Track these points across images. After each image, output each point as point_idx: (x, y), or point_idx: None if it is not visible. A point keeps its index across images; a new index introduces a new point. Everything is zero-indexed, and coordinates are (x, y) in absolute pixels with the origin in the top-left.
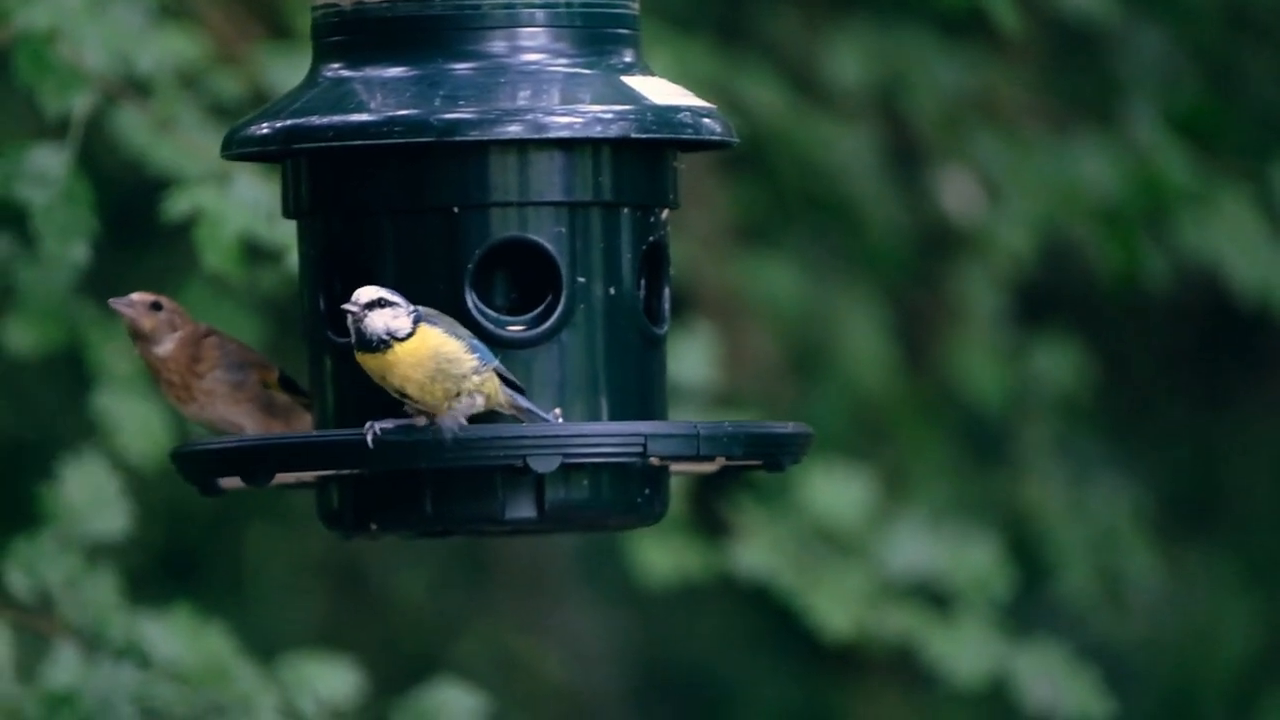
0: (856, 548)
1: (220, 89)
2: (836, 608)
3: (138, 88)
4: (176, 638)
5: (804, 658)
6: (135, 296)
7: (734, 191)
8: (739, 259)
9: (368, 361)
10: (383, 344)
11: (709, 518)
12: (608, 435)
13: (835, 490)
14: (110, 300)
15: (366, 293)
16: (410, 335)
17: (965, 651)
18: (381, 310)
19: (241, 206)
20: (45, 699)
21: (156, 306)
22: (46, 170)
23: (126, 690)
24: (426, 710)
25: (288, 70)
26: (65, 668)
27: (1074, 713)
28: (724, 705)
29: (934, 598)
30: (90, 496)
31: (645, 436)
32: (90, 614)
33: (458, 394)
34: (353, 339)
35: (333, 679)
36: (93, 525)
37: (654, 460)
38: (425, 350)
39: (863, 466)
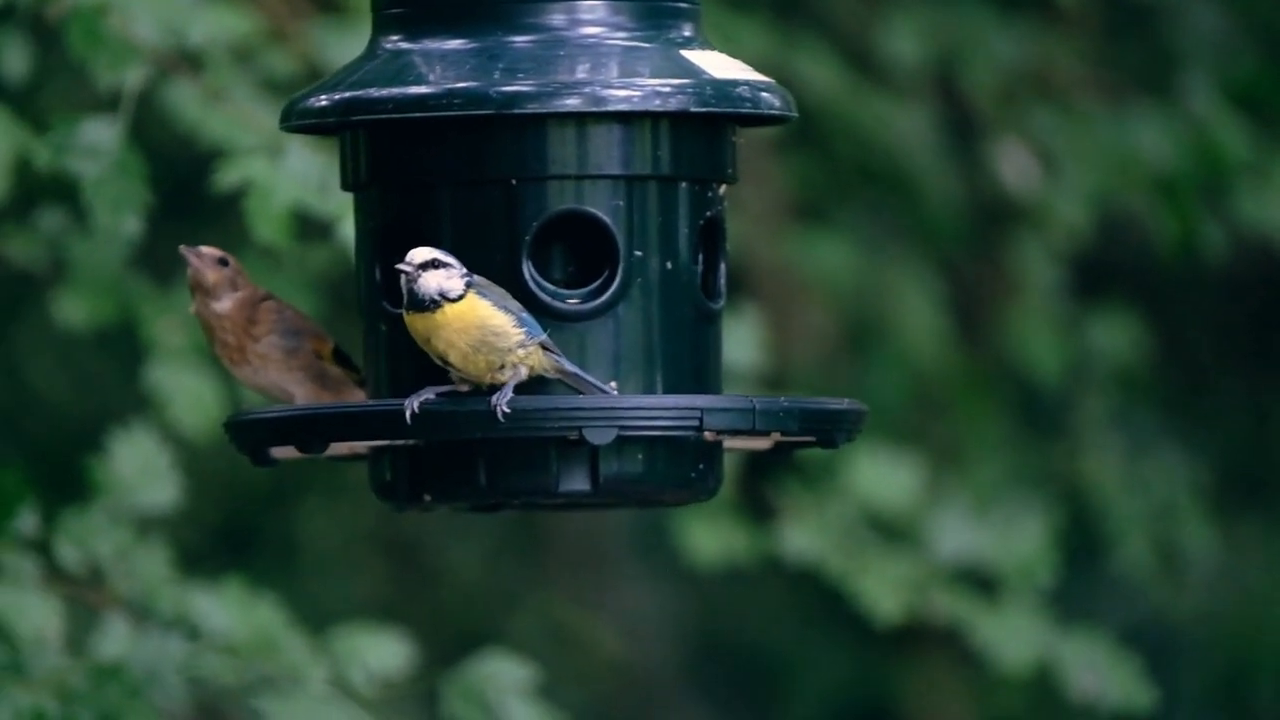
0: (904, 532)
1: (272, 66)
2: (885, 592)
3: (189, 61)
4: (227, 610)
5: (858, 634)
6: (205, 249)
7: (789, 168)
8: (794, 236)
9: (415, 322)
10: (434, 304)
11: (756, 501)
12: (664, 408)
13: (882, 474)
14: (181, 247)
15: (421, 253)
16: (460, 298)
17: (1012, 638)
18: (435, 271)
19: (292, 178)
20: (92, 670)
21: (223, 262)
22: (98, 143)
23: (174, 661)
24: (477, 681)
25: (340, 46)
26: (114, 640)
27: (1118, 701)
28: (778, 680)
29: (981, 582)
30: (140, 469)
31: (701, 410)
32: (140, 586)
33: (501, 366)
34: (404, 298)
35: (383, 651)
36: (143, 498)
37: (709, 435)
38: (472, 318)
39: (915, 445)
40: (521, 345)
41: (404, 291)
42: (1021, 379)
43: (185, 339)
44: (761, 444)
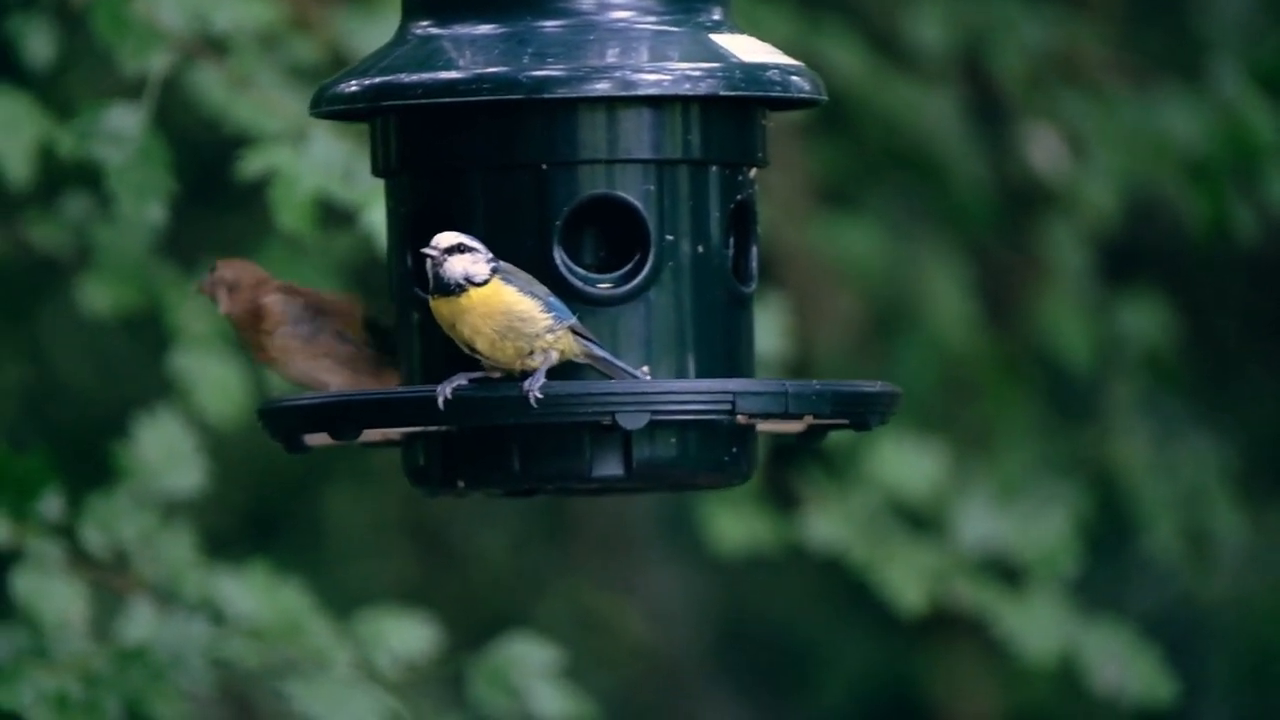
0: (928, 520)
1: (296, 53)
2: (909, 582)
3: (214, 47)
4: (252, 594)
5: (884, 620)
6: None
7: (815, 153)
8: (821, 221)
9: (440, 307)
10: (459, 288)
11: (781, 489)
12: (696, 392)
13: (907, 462)
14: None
15: (447, 237)
16: (485, 283)
17: (1035, 628)
18: (461, 255)
19: (317, 166)
20: (116, 654)
21: (212, 269)
22: (122, 130)
23: (198, 644)
24: (502, 664)
25: (365, 34)
26: (139, 624)
27: (1140, 693)
28: (804, 666)
29: (1006, 572)
30: (165, 454)
31: (734, 394)
32: (165, 571)
33: (530, 352)
34: (430, 283)
35: (408, 635)
36: (168, 482)
37: (742, 419)
38: (497, 304)
39: (944, 431)
40: (549, 330)
41: (429, 276)
42: (1050, 364)
43: (209, 326)
44: (794, 427)
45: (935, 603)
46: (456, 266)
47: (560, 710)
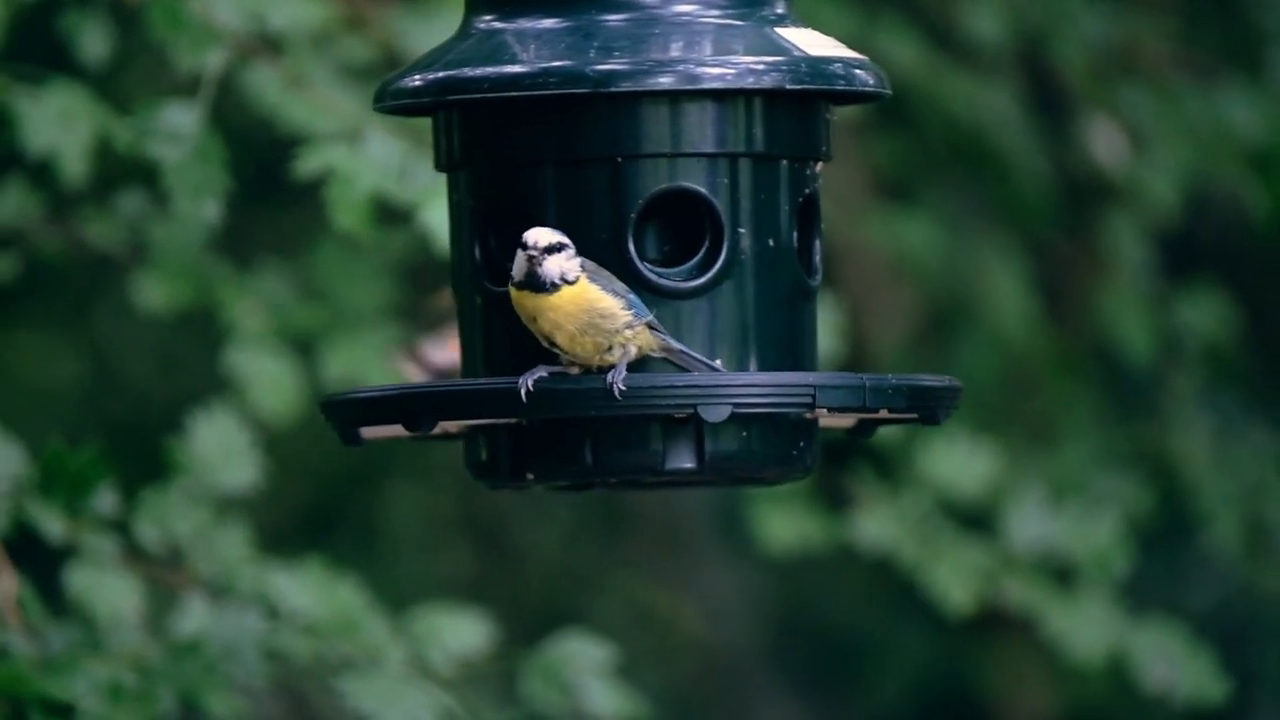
0: (979, 520)
1: (350, 52)
2: (957, 582)
3: (269, 45)
4: (307, 590)
5: (938, 616)
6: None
7: (873, 147)
8: (879, 215)
9: (524, 300)
10: (552, 286)
11: (831, 489)
12: (778, 385)
13: (958, 463)
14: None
15: (543, 236)
16: (575, 281)
17: (1084, 628)
18: (557, 255)
19: (373, 165)
20: (170, 646)
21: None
22: (179, 127)
23: (252, 638)
24: (555, 662)
25: (420, 33)
26: (193, 619)
27: (1191, 693)
28: (859, 663)
29: (1057, 572)
30: (220, 450)
31: (815, 387)
32: (219, 567)
33: (609, 348)
34: (521, 277)
35: (463, 631)
36: (222, 478)
37: (815, 413)
38: (582, 302)
39: (1004, 425)
40: (629, 326)
41: (523, 272)
42: (1110, 358)
43: (264, 323)
44: (845, 422)
45: (984, 603)
46: (553, 266)
47: (613, 708)
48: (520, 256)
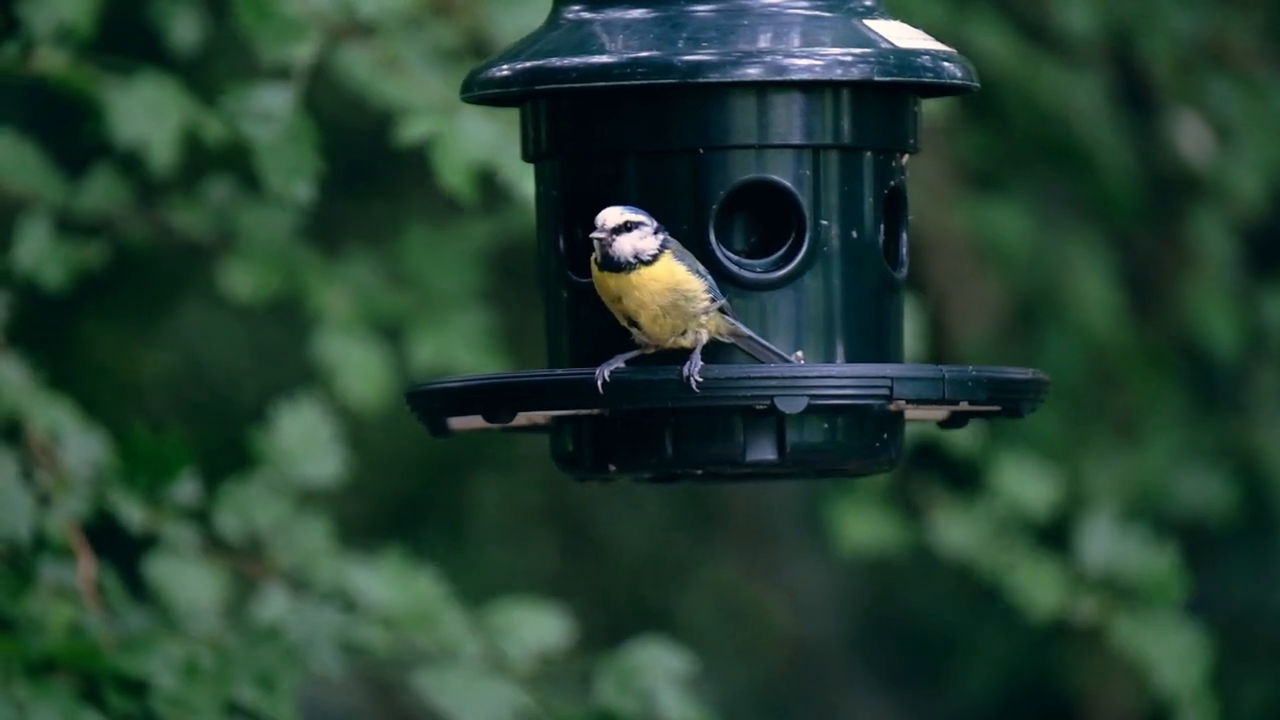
0: (1051, 536)
1: (438, 37)
2: (1039, 591)
3: (361, 29)
4: (385, 582)
5: (1022, 615)
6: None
7: (961, 140)
8: (966, 207)
9: (607, 280)
10: (629, 265)
11: (909, 493)
12: (854, 377)
13: (1024, 483)
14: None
15: (612, 216)
16: (655, 259)
17: (1167, 657)
18: (628, 234)
19: (472, 137)
20: (250, 633)
21: None
22: (271, 108)
23: (330, 630)
24: (632, 667)
25: (508, 19)
26: (272, 609)
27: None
28: (945, 657)
29: (1124, 591)
30: (303, 441)
31: (891, 379)
32: (299, 558)
33: (684, 331)
34: (599, 259)
35: (542, 627)
36: (305, 470)
37: (896, 405)
38: (667, 280)
39: (1091, 419)
40: (706, 311)
41: (598, 255)
42: (1195, 353)
43: (352, 310)
44: (938, 414)
45: (1064, 614)
46: (625, 245)
47: (684, 717)
48: (594, 239)
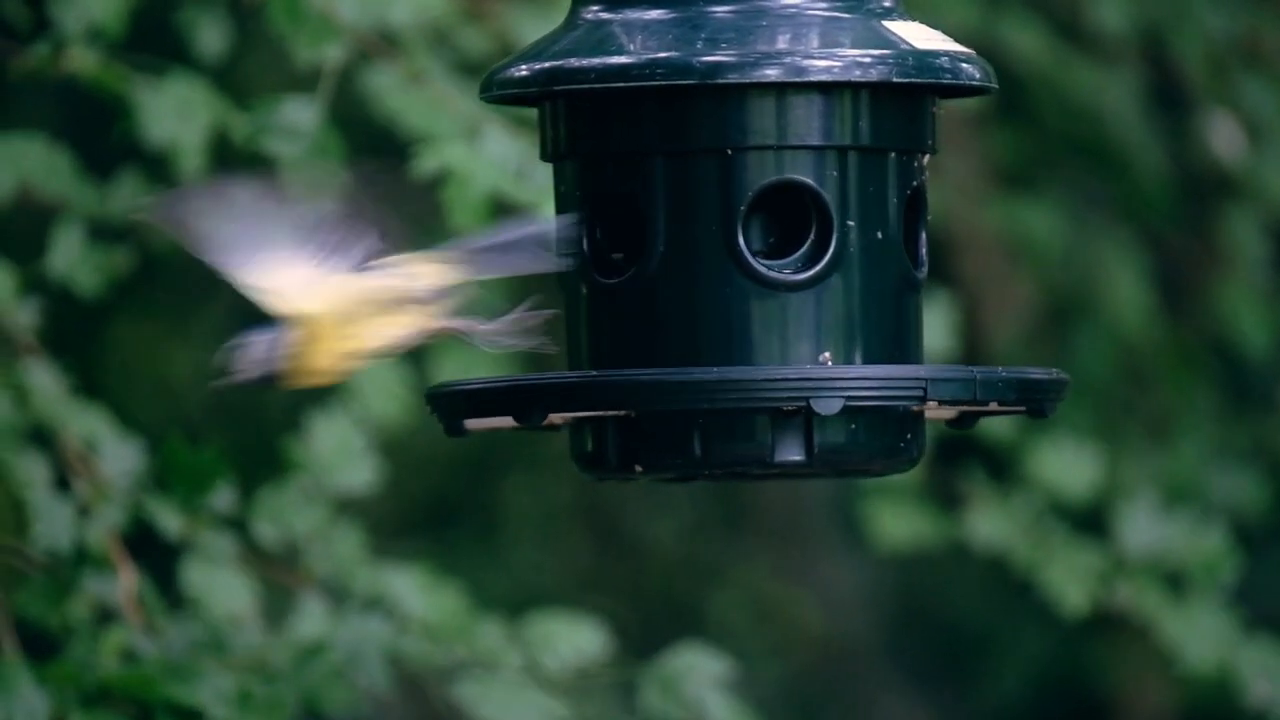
0: (1090, 522)
1: (466, 46)
2: (1070, 584)
3: (388, 41)
4: (421, 593)
5: (1056, 613)
6: None
7: (992, 139)
8: (997, 206)
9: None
10: (275, 369)
11: (943, 487)
12: (889, 378)
13: (1064, 465)
14: None
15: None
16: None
17: (1196, 637)
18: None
19: (491, 165)
20: (295, 650)
21: None
22: (297, 123)
23: (376, 642)
24: (673, 674)
25: (535, 27)
26: (309, 619)
27: None
28: (979, 655)
29: (1168, 578)
30: (337, 450)
31: (926, 380)
32: (335, 566)
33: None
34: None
35: (579, 638)
36: (339, 478)
37: (928, 405)
38: (333, 307)
39: (1114, 425)
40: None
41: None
42: (1228, 353)
43: None
44: (947, 414)
45: (1099, 605)
46: (254, 353)
47: None
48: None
